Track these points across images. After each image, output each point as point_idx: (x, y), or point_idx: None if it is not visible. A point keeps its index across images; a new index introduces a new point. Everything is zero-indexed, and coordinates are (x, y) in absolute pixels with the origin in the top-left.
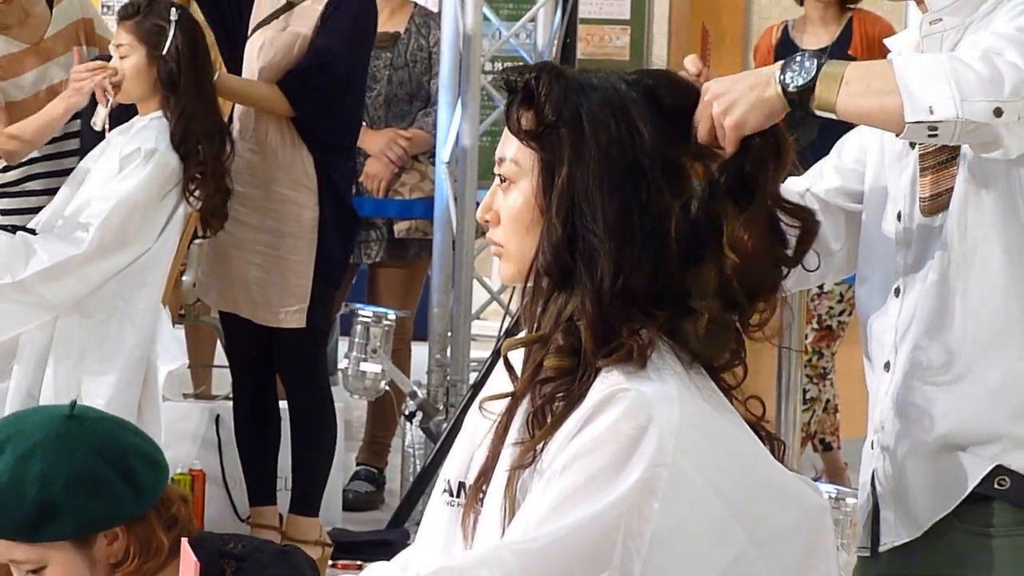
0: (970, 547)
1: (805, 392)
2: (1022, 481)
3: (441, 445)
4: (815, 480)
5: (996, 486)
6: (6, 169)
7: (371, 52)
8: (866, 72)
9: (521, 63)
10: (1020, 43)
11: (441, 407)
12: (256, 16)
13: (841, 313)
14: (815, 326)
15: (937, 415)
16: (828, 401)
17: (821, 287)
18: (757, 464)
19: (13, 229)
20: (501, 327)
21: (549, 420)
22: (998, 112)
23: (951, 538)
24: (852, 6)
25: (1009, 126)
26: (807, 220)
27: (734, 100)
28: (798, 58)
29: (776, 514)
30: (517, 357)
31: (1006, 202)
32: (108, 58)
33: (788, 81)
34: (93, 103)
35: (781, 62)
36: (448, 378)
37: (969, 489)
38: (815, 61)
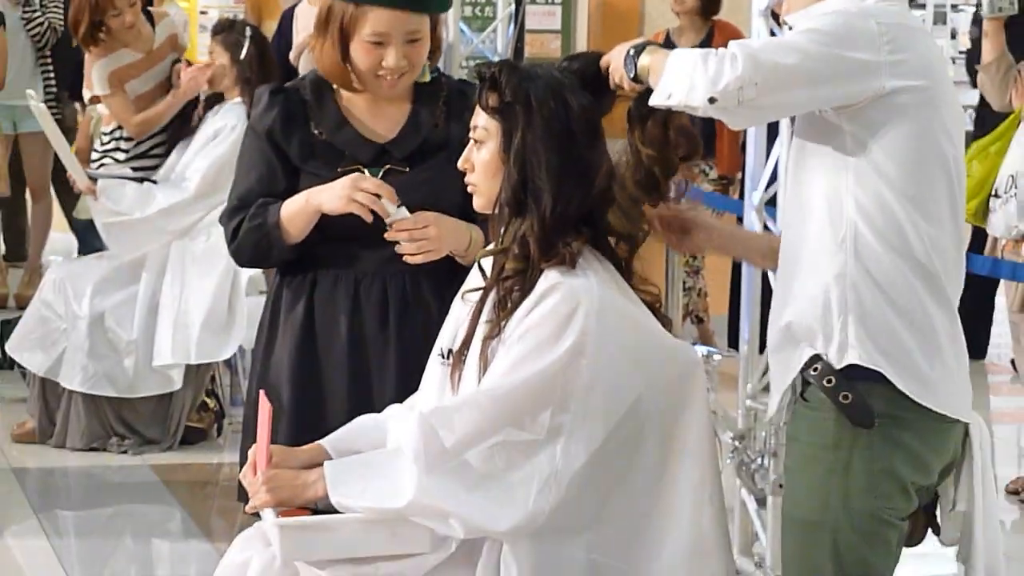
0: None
1: (684, 283)
2: (828, 367)
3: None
4: (692, 344)
5: (812, 372)
6: (139, 143)
7: None
8: (656, 63)
9: (487, 60)
10: (773, 50)
11: None
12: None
13: None
14: None
15: (780, 312)
16: (700, 289)
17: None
18: (652, 333)
19: (141, 180)
20: None
21: (509, 305)
22: (712, 100)
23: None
24: (713, 18)
25: (725, 110)
26: (691, 139)
27: (616, 66)
28: (631, 52)
29: (664, 366)
30: (487, 263)
31: (821, 152)
32: (185, 59)
33: (628, 69)
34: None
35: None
36: None
37: (794, 374)
38: (634, 60)
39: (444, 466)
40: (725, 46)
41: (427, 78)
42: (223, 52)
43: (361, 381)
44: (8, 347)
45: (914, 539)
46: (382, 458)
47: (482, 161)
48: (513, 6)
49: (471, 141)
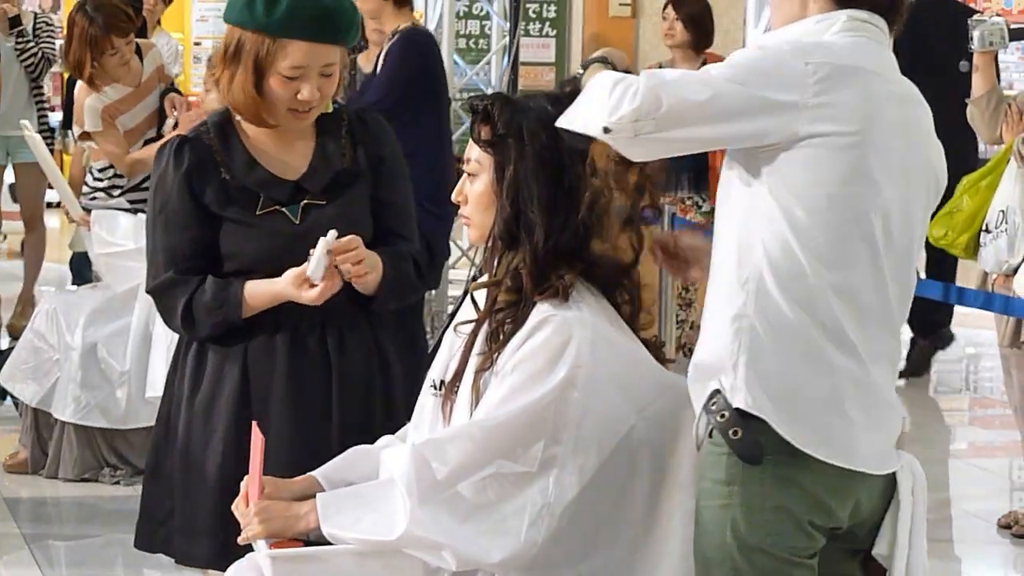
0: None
1: (677, 316)
2: (724, 403)
3: (429, 354)
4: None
5: (712, 406)
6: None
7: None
8: (586, 82)
9: (480, 92)
10: (684, 84)
11: (429, 329)
12: None
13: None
14: None
15: (697, 346)
16: (693, 322)
17: None
18: (644, 365)
19: (135, 211)
20: (469, 274)
21: (501, 337)
22: (606, 130)
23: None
24: (703, 51)
25: (618, 141)
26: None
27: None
28: (581, 67)
29: (657, 400)
30: (480, 295)
31: (739, 191)
32: (175, 89)
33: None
34: None
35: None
36: (433, 309)
37: (701, 404)
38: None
39: (436, 498)
40: None
41: (330, 109)
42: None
43: (303, 435)
44: (0, 378)
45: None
46: (374, 489)
47: (475, 194)
48: (507, 39)
49: (464, 174)
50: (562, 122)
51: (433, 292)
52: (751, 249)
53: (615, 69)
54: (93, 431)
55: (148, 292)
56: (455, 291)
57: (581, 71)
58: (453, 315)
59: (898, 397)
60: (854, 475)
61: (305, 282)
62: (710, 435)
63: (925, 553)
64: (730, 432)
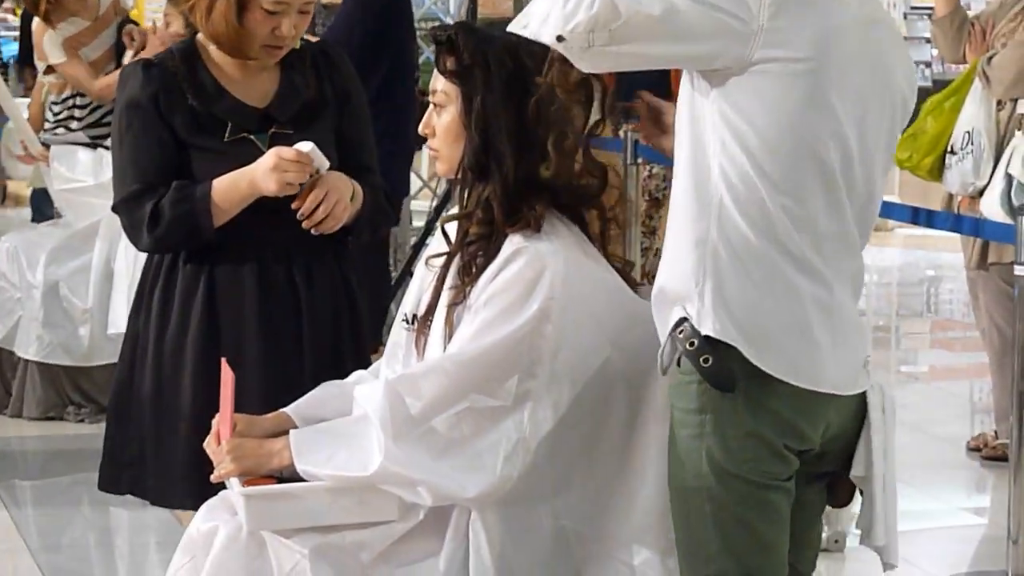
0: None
1: (642, 243)
2: (691, 331)
3: (392, 286)
4: None
5: (679, 334)
6: (93, 110)
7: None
8: None
9: (439, 22)
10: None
11: (392, 261)
12: None
13: (665, 188)
14: (646, 197)
15: (660, 269)
16: (657, 249)
17: (650, 170)
18: (619, 295)
19: (95, 146)
20: (430, 204)
21: (474, 270)
22: (559, 39)
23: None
24: None
25: (571, 51)
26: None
27: None
28: None
29: (632, 329)
30: (451, 228)
31: (691, 115)
32: (132, 21)
33: None
34: None
35: None
36: (397, 240)
37: (667, 330)
38: None
39: (411, 433)
40: None
41: (297, 45)
42: (178, 18)
43: (275, 371)
44: None
45: (839, 500)
46: (348, 426)
47: (443, 126)
48: None
49: (430, 105)
50: (514, 27)
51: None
52: (709, 173)
53: None
54: (56, 369)
55: (113, 208)
56: (418, 222)
57: None
58: (417, 247)
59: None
60: (823, 397)
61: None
62: (678, 363)
63: (895, 473)
64: (700, 360)
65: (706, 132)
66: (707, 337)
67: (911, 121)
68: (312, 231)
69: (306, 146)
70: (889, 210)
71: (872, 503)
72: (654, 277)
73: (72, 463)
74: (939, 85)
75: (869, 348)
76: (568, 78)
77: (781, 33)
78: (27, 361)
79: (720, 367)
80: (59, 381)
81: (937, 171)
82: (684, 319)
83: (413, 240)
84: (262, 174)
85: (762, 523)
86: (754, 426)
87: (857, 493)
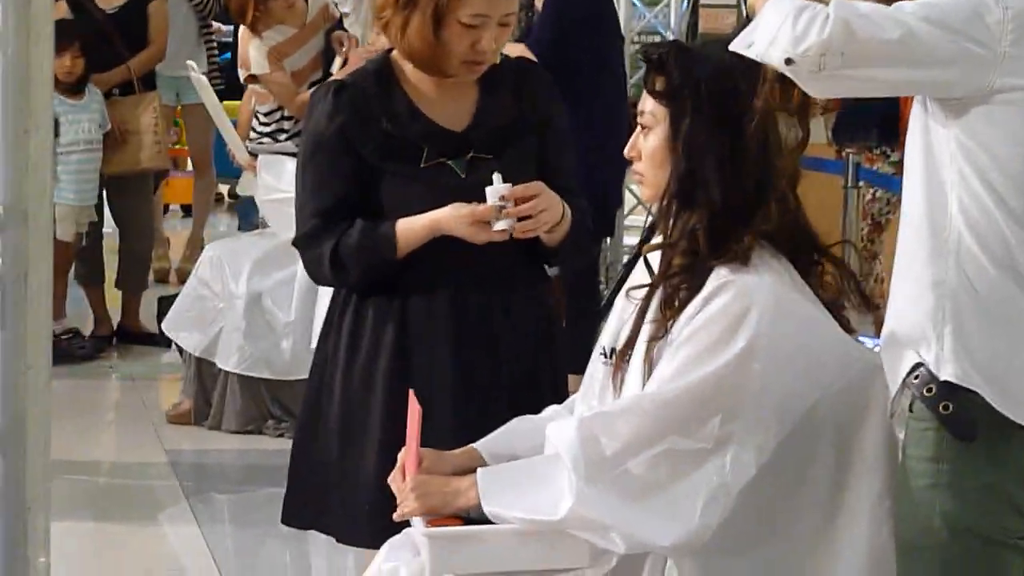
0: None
1: (861, 268)
2: (929, 376)
3: (605, 304)
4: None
5: (914, 379)
6: (299, 120)
7: None
8: (759, 2)
9: (658, 35)
10: (875, 18)
11: (603, 279)
12: None
13: (888, 212)
14: (869, 222)
15: (889, 310)
16: (877, 274)
17: (874, 193)
18: (830, 335)
19: None
20: (644, 222)
21: (676, 303)
22: (788, 62)
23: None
24: None
25: (800, 74)
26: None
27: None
28: None
29: (843, 374)
30: (654, 258)
31: (926, 146)
32: (341, 27)
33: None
34: None
35: None
36: (608, 259)
37: (900, 379)
38: None
39: (605, 475)
40: None
41: (496, 60)
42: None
43: (468, 405)
44: (164, 326)
45: None
46: (539, 465)
47: (649, 149)
48: None
49: (637, 127)
50: (737, 46)
51: (608, 240)
52: (946, 208)
53: None
54: (257, 382)
55: (293, 243)
56: (630, 240)
57: None
58: (626, 272)
59: None
60: None
61: (476, 222)
62: (910, 409)
63: None
64: (940, 407)
65: (943, 165)
66: (946, 383)
67: None
68: (513, 233)
69: (501, 187)
70: None
71: None
72: (875, 305)
73: (269, 478)
74: None
75: None
76: (787, 96)
77: (1023, 60)
78: (228, 373)
79: (961, 414)
80: (259, 394)
81: None
82: (920, 364)
83: (626, 258)
84: (455, 224)
85: None
86: (992, 478)
87: None
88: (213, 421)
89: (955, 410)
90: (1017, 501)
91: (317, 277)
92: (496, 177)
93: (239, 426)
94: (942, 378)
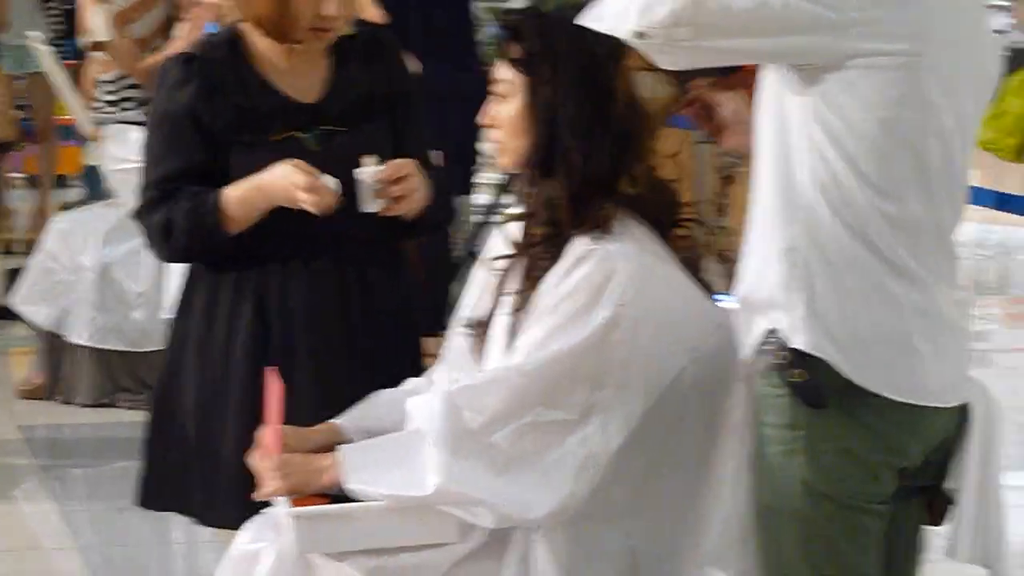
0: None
1: (712, 222)
2: (780, 343)
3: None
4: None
5: (767, 347)
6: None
7: None
8: None
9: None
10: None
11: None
12: None
13: (734, 166)
14: (717, 175)
15: (740, 275)
16: (728, 227)
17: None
18: (694, 301)
19: None
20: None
21: (538, 273)
22: (639, 35)
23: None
24: None
25: (651, 47)
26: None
27: None
28: None
29: (709, 339)
30: (514, 227)
31: (778, 111)
32: None
33: None
34: None
35: None
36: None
37: (754, 342)
38: None
39: (471, 449)
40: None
41: (349, 31)
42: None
43: (329, 381)
44: (12, 300)
45: (935, 517)
46: (403, 441)
47: (507, 117)
48: None
49: (492, 95)
50: (586, 20)
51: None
52: (798, 174)
53: None
54: (109, 354)
55: (133, 214)
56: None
57: None
58: (475, 232)
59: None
60: (926, 410)
61: (313, 190)
62: (766, 376)
63: (999, 485)
64: (791, 374)
65: (792, 131)
66: (798, 351)
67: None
68: (380, 207)
69: (331, 182)
70: (973, 195)
71: (961, 515)
72: (724, 256)
73: (124, 452)
74: (1017, 54)
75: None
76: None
77: (878, 24)
78: (79, 346)
79: (812, 382)
80: (111, 366)
81: (1021, 152)
82: (773, 331)
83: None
84: (277, 190)
85: (852, 549)
86: (847, 443)
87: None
88: (66, 395)
89: (806, 378)
90: (872, 466)
91: (155, 252)
92: (369, 159)
93: (92, 399)
94: (794, 346)
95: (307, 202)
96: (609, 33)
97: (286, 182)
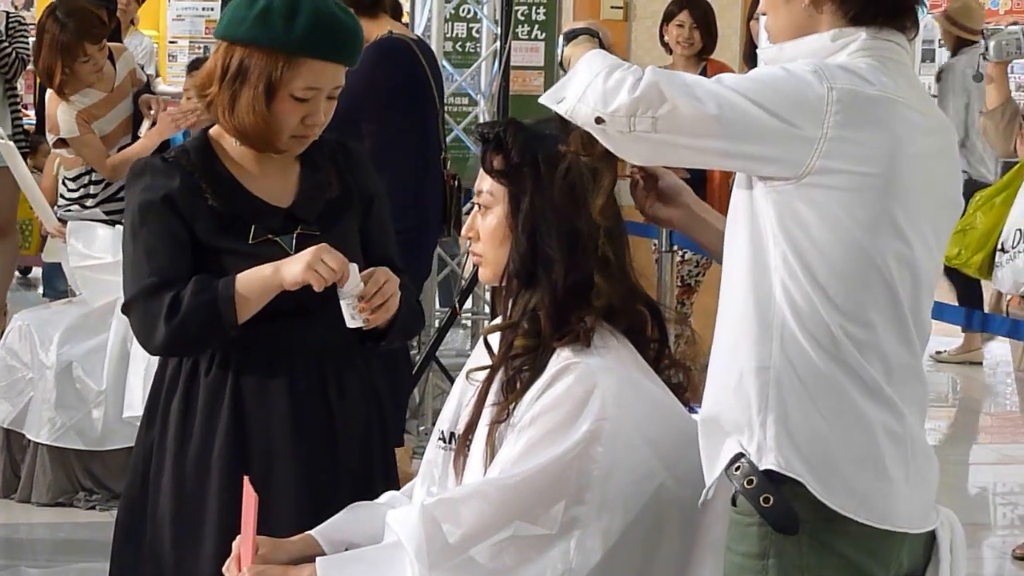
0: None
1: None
2: (750, 467)
3: (416, 371)
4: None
5: (735, 471)
6: (108, 185)
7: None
8: (575, 56)
9: (469, 98)
10: (695, 89)
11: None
12: None
13: (698, 274)
14: (679, 284)
15: (707, 393)
16: (689, 336)
17: (683, 255)
18: (673, 417)
19: (113, 223)
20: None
21: (518, 386)
22: (598, 120)
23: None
24: (705, 56)
25: (609, 135)
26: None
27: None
28: (564, 36)
29: (687, 453)
30: (494, 340)
31: (750, 225)
32: (149, 90)
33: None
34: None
35: None
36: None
37: (720, 469)
38: (562, 47)
39: (449, 563)
40: None
41: (316, 136)
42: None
43: (308, 489)
44: None
45: None
46: (379, 553)
47: (488, 228)
48: (498, 43)
49: (475, 207)
50: (547, 100)
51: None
52: (769, 292)
53: (602, 46)
54: (68, 453)
55: (126, 303)
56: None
57: (563, 43)
58: (437, 339)
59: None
60: (896, 536)
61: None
62: (734, 503)
63: None
64: (761, 499)
65: (767, 246)
66: (767, 472)
67: None
68: (365, 321)
69: (354, 266)
70: (940, 311)
71: None
72: (686, 367)
73: (82, 552)
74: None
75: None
76: (595, 145)
77: (846, 144)
78: (38, 444)
79: (783, 507)
80: (70, 466)
81: (987, 269)
82: (740, 454)
83: (438, 323)
84: (292, 262)
85: None
86: (819, 570)
87: None
88: (23, 494)
89: (776, 503)
90: None
91: (150, 335)
92: (352, 269)
93: (50, 499)
94: (763, 467)
95: (324, 272)
96: (567, 116)
97: (311, 254)
